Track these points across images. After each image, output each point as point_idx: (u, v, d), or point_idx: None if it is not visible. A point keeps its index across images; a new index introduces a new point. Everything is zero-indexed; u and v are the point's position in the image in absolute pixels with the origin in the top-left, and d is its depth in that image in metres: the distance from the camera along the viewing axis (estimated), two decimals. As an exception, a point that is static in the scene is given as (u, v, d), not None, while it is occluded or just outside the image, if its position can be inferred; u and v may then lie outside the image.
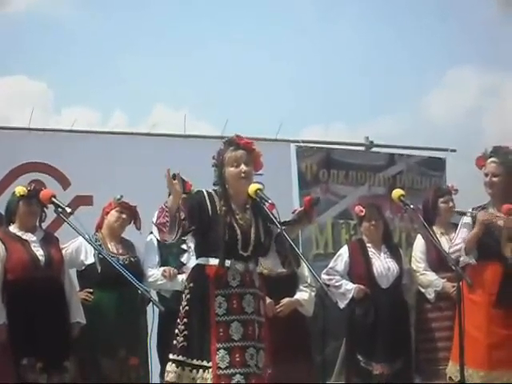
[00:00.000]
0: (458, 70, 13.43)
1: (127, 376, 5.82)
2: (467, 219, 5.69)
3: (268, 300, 5.89)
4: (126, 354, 5.82)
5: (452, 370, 5.61)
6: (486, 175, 5.63)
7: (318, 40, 12.44)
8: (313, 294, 6.22)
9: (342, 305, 6.34)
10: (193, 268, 4.71)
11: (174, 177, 4.51)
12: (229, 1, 12.78)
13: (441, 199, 6.69)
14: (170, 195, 4.57)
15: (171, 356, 4.56)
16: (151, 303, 4.62)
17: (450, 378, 5.63)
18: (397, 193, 5.33)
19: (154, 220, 4.65)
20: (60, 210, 4.72)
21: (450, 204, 6.62)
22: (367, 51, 12.64)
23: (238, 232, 4.57)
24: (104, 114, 15.15)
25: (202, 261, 4.62)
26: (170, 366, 4.56)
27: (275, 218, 4.51)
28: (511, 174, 5.61)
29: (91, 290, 5.92)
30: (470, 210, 5.71)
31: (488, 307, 5.49)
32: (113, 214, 6.10)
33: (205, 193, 4.62)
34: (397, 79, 12.91)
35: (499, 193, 5.63)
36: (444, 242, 6.28)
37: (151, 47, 12.45)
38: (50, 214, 5.33)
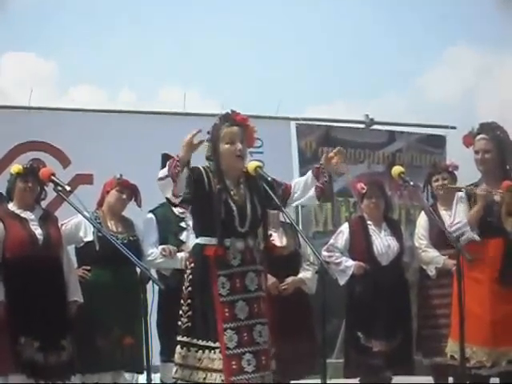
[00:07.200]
0: (456, 48, 13.44)
1: (122, 355, 5.81)
2: (462, 194, 5.66)
3: (272, 279, 5.90)
4: (122, 332, 5.81)
5: (453, 347, 5.55)
6: (477, 152, 5.59)
7: (319, 19, 12.45)
8: (315, 272, 6.22)
9: (341, 281, 6.34)
10: (193, 247, 4.70)
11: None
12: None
13: (433, 177, 6.66)
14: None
15: (177, 338, 4.56)
16: (151, 282, 4.61)
17: (452, 356, 5.56)
18: (397, 170, 5.28)
19: (166, 171, 4.41)
20: (60, 188, 4.72)
21: (440, 182, 6.58)
22: (366, 31, 12.66)
23: (234, 208, 4.55)
24: (110, 94, 15.20)
25: (200, 240, 4.61)
26: (177, 348, 4.56)
27: (278, 196, 4.49)
28: (502, 149, 5.57)
29: (88, 268, 5.93)
30: (464, 186, 5.69)
31: (491, 283, 5.46)
32: (113, 194, 6.07)
33: (202, 169, 4.60)
34: (396, 58, 12.93)
35: (492, 169, 5.60)
36: (447, 218, 6.24)
37: (156, 29, 12.46)
38: (51, 192, 5.33)
